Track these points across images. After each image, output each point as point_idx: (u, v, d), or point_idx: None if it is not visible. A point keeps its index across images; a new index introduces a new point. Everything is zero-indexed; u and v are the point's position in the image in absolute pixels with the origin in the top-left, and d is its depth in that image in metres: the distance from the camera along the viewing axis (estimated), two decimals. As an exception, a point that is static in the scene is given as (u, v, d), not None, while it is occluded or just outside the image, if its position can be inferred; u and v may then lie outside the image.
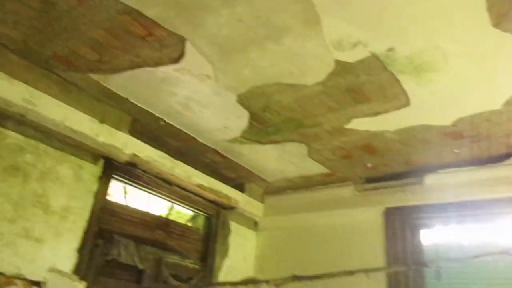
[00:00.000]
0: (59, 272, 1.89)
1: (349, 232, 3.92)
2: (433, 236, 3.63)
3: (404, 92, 2.63)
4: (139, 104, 3.09)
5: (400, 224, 3.71)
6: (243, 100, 2.91)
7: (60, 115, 2.73)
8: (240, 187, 4.31)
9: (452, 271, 3.38)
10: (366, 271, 1.94)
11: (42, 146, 2.82)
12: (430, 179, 3.58)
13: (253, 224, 4.53)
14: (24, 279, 1.88)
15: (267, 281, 1.88)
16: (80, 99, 2.93)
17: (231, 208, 4.17)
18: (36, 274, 2.17)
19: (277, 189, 4.50)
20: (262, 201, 4.56)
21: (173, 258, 3.53)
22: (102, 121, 3.01)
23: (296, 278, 1.91)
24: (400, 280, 3.49)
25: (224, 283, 1.99)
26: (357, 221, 3.94)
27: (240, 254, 4.23)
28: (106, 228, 3.10)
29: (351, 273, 1.88)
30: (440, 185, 3.52)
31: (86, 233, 2.92)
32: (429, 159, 3.49)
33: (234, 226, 4.25)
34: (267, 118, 3.11)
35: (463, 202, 3.37)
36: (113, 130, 3.08)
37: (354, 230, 3.90)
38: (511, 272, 3.15)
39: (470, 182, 3.36)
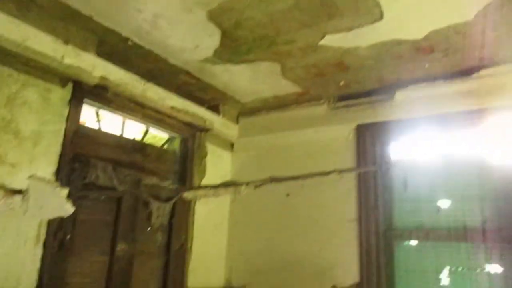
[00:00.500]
0: (40, 179, 1.92)
1: (322, 149, 4.04)
2: (402, 150, 3.81)
3: (377, 5, 2.58)
4: (104, 23, 2.93)
5: (370, 139, 3.85)
6: (214, 17, 2.80)
7: (19, 35, 2.58)
8: (214, 109, 4.30)
9: (419, 183, 3.60)
10: (340, 171, 2.05)
11: (6, 70, 2.69)
12: (400, 95, 3.66)
13: (229, 145, 4.60)
14: (5, 188, 1.91)
15: (247, 183, 1.96)
16: (40, 18, 2.75)
17: (207, 130, 4.20)
18: (17, 184, 2.20)
19: (251, 110, 4.52)
20: (236, 122, 4.60)
21: (151, 180, 3.61)
22: (66, 41, 2.87)
23: (274, 179, 2.00)
24: (369, 186, 3.70)
25: (206, 186, 2.07)
26: (330, 138, 4.05)
27: (217, 174, 4.33)
28: (81, 153, 3.09)
29: (325, 173, 1.99)
30: (411, 100, 3.61)
31: (62, 157, 2.91)
32: (401, 75, 3.54)
33: (210, 147, 4.30)
34: (239, 36, 3.03)
35: (432, 116, 3.49)
36: (79, 51, 2.95)
37: (327, 147, 4.02)
38: (477, 186, 3.37)
39: (440, 96, 3.45)
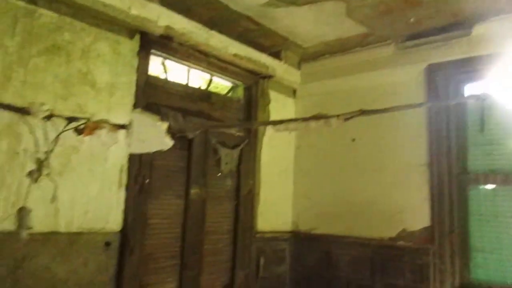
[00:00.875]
0: (142, 112, 2.04)
1: (389, 93, 3.86)
2: (478, 90, 3.55)
3: None
4: (164, -30, 2.93)
5: (443, 80, 3.62)
6: (277, -46, 2.69)
7: (89, -12, 2.66)
8: (276, 55, 4.24)
9: (497, 125, 3.37)
10: (429, 103, 1.99)
11: (78, 24, 2.80)
12: (479, 29, 3.37)
13: (292, 92, 4.56)
14: (109, 122, 2.06)
15: (337, 115, 1.96)
16: (104, -30, 2.79)
17: (269, 77, 4.17)
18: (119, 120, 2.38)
19: (314, 54, 4.39)
20: (299, 68, 4.51)
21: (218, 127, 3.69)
22: (131, -8, 2.91)
23: (364, 112, 1.99)
24: (441, 129, 3.54)
25: (296, 119, 2.08)
26: (397, 80, 3.86)
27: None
28: (152, 102, 3.21)
29: (416, 105, 1.93)
30: (490, 35, 3.31)
31: (135, 107, 3.03)
32: (480, 6, 3.23)
33: (273, 94, 4.29)
34: (303, -27, 2.90)
35: (514, 51, 3.20)
36: (144, 1, 2.99)
37: (394, 90, 3.83)
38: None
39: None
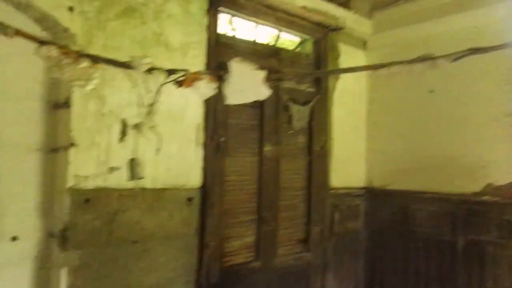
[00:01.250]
0: (240, 61, 2.06)
1: (475, 38, 3.42)
2: None
3: None
4: None
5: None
6: None
7: None
8: (345, 5, 4.02)
9: None
10: None
11: (147, -16, 2.82)
12: None
13: (362, 44, 4.33)
14: (208, 73, 2.11)
15: (445, 55, 1.84)
16: None
17: (339, 29, 3.98)
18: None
19: (386, 1, 4.11)
20: (370, 17, 4.26)
21: (289, 84, 3.63)
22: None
23: (475, 50, 1.84)
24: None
25: (400, 62, 1.97)
26: (485, 23, 3.45)
27: (352, 75, 4.17)
28: (223, 60, 3.18)
29: None
30: None
31: (207, 66, 3.05)
32: None
33: (343, 47, 4.10)
34: None
35: None
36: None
37: (483, 33, 3.39)
38: None
39: None
